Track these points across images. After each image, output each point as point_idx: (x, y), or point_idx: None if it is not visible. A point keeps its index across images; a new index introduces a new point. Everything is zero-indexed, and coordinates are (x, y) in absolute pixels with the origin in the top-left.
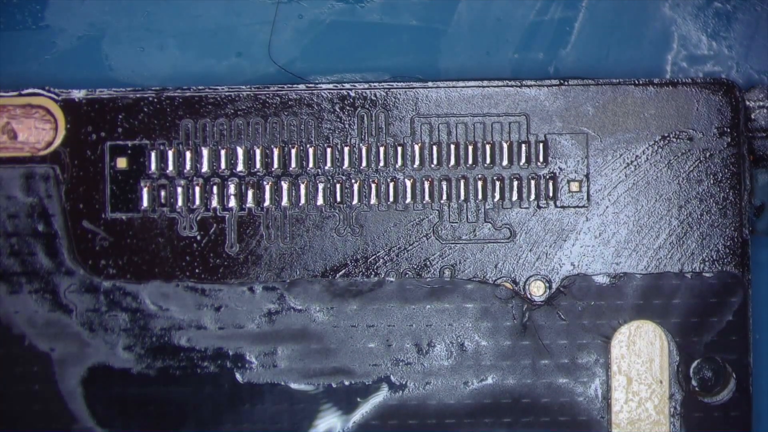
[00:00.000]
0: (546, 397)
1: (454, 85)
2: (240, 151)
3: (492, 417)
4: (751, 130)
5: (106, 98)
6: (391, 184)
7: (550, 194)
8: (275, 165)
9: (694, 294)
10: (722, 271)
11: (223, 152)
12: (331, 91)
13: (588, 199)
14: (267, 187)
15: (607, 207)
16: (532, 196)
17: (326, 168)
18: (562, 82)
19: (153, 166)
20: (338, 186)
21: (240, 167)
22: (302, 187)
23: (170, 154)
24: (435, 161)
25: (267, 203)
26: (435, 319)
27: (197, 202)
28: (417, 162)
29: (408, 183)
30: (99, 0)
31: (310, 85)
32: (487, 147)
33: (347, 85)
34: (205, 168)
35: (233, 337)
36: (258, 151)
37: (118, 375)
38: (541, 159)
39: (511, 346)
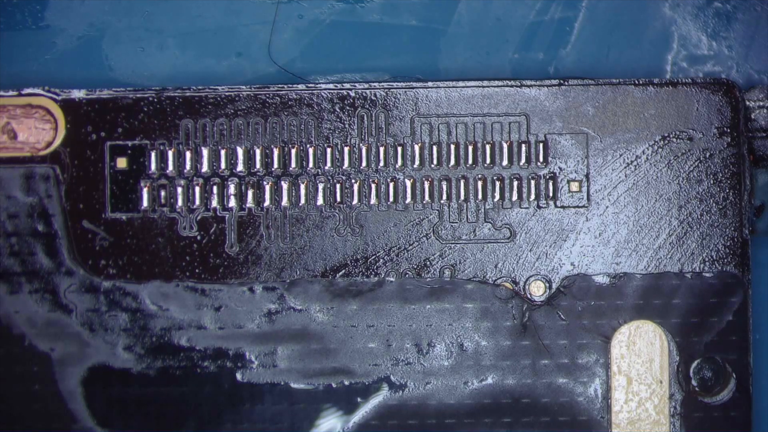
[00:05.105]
0: (546, 397)
1: (454, 85)
2: (240, 151)
3: (492, 417)
4: (751, 130)
5: (106, 98)
6: (391, 184)
7: (550, 194)
8: (275, 165)
9: (694, 294)
10: (722, 271)
11: (223, 152)
12: (331, 91)
13: (588, 199)
14: (267, 187)
15: (607, 207)
16: (532, 196)
17: (326, 168)
18: (562, 82)
19: (153, 166)
20: (338, 186)
21: (240, 167)
22: (302, 187)
23: (170, 154)
24: (435, 161)
25: (267, 203)
26: (435, 319)
27: (197, 202)
28: (417, 162)
29: (408, 183)
30: (99, 0)
31: (310, 85)
32: (487, 147)
33: (347, 85)
34: (205, 168)
35: (233, 337)
36: (258, 151)
37: (118, 375)
38: (541, 159)
39: (511, 346)
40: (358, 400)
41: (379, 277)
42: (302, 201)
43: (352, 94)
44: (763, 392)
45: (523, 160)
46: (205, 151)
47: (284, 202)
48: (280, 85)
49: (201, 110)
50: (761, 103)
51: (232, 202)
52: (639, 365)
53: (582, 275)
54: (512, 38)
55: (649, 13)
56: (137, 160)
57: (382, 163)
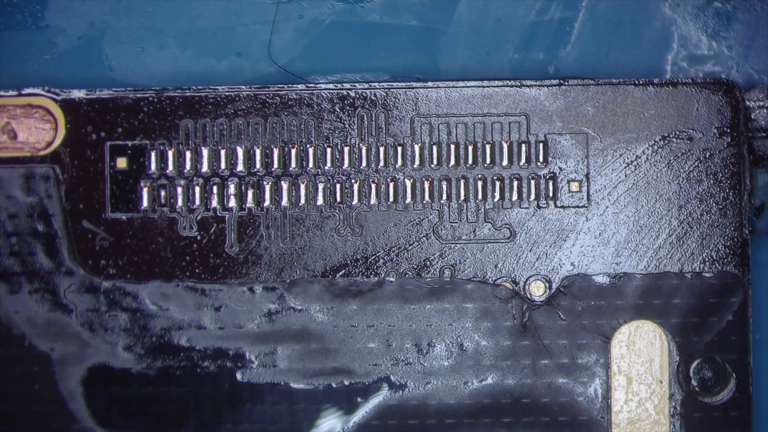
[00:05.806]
0: (546, 397)
1: (454, 85)
2: (240, 151)
3: (492, 417)
4: (751, 130)
5: (106, 98)
6: (391, 184)
7: (550, 194)
8: (275, 165)
9: (694, 294)
10: (722, 271)
11: (223, 152)
12: (331, 91)
13: (588, 199)
14: (267, 187)
15: (607, 207)
16: (532, 196)
17: (326, 168)
18: (562, 82)
19: (153, 166)
20: (338, 186)
21: (240, 167)
22: (302, 187)
23: (170, 154)
24: (435, 161)
25: (267, 203)
26: (435, 319)
27: (197, 202)
28: (417, 162)
29: (408, 183)
30: (99, 0)
31: (310, 85)
32: (487, 147)
33: (347, 85)
34: (205, 168)
35: (233, 337)
36: (258, 151)
37: (118, 375)
38: (541, 159)
39: (511, 346)
40: (358, 400)
41: (379, 277)
42: (302, 201)
43: (352, 94)
44: (763, 392)
45: (523, 160)
46: (205, 151)
47: (284, 202)
48: (280, 85)
49: (201, 110)
50: (761, 103)
51: (232, 202)
52: (639, 365)
53: (582, 275)
54: (512, 38)
55: (649, 13)
56: (137, 160)
57: (382, 163)
